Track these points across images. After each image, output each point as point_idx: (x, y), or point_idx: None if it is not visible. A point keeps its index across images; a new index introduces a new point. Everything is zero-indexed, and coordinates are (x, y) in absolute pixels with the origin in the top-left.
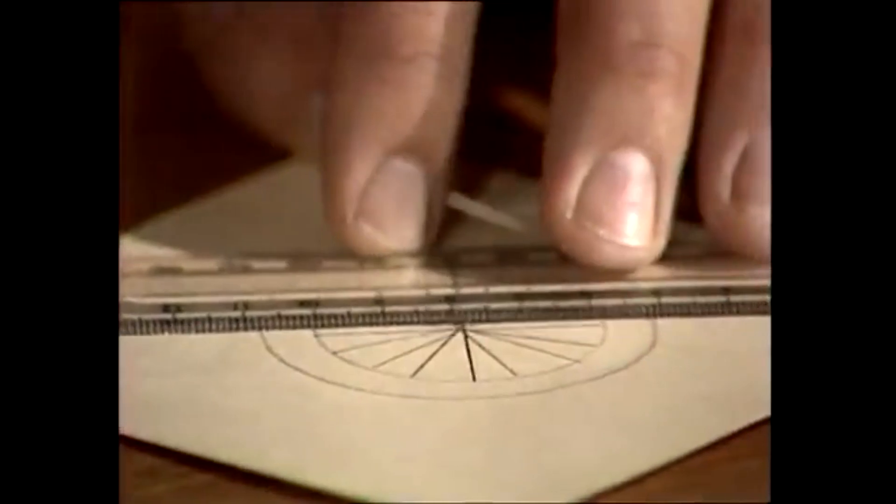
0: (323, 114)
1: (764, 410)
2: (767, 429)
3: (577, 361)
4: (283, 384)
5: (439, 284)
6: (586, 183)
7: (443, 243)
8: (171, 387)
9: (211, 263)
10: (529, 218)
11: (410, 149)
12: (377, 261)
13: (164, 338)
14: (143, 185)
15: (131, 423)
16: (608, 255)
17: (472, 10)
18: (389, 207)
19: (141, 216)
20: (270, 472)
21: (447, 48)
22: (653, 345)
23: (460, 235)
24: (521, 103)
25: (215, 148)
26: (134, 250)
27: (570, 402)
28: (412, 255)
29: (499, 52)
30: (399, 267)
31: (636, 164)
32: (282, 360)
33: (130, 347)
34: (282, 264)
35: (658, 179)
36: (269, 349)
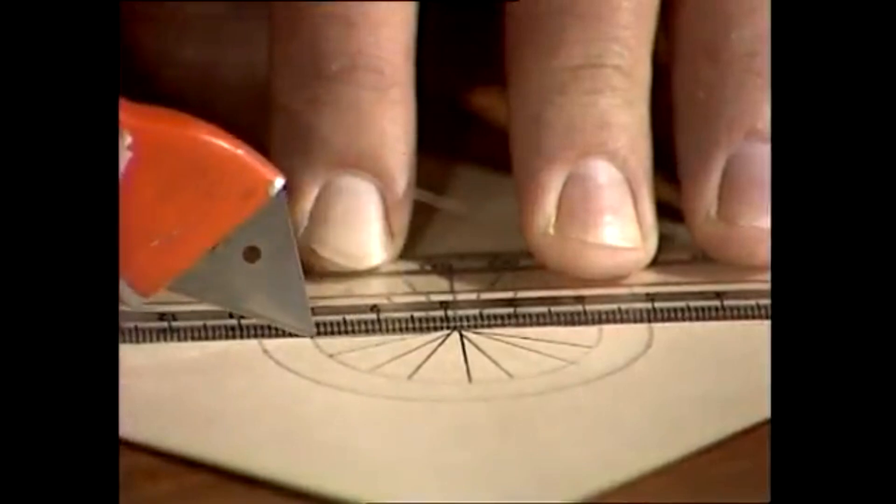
0: (268, 135)
1: (759, 413)
2: (766, 429)
3: (573, 363)
4: (279, 386)
5: (434, 291)
6: (562, 197)
7: (435, 250)
8: (168, 388)
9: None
10: (501, 214)
11: (356, 164)
12: (374, 268)
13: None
14: None
15: (129, 424)
16: (599, 260)
17: (402, 11)
18: (338, 227)
19: None
20: (266, 474)
21: (378, 58)
22: (648, 346)
23: (452, 242)
24: (490, 100)
25: None
26: None
27: (565, 405)
28: (405, 262)
29: (468, 48)
30: (393, 274)
31: (604, 171)
32: (278, 363)
33: (129, 348)
34: None
35: (630, 183)
36: (265, 352)
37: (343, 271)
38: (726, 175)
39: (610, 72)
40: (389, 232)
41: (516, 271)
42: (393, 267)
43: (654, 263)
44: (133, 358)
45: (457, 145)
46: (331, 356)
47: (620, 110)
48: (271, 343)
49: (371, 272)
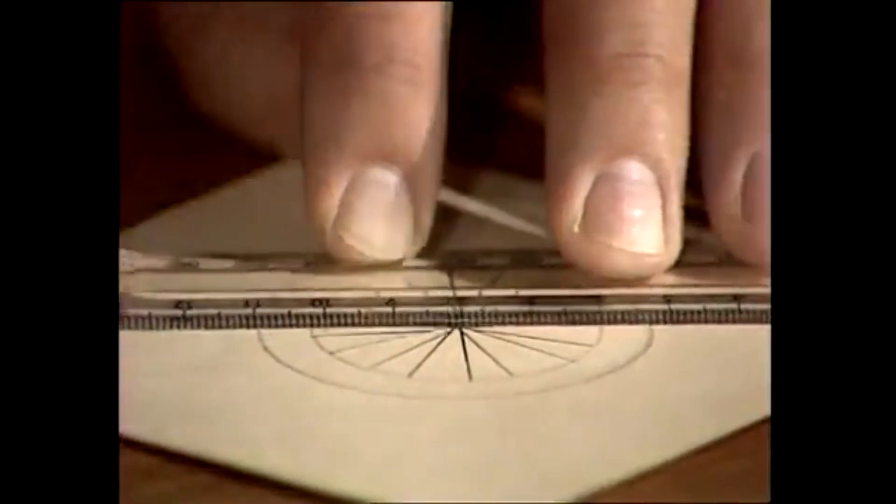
0: (300, 123)
1: (759, 412)
2: (766, 429)
3: (573, 361)
4: (279, 385)
5: (452, 286)
6: (590, 196)
7: (459, 245)
8: (168, 387)
9: (228, 260)
10: (528, 217)
11: (387, 157)
12: (394, 262)
13: (163, 337)
14: (146, 184)
15: (129, 423)
16: (621, 264)
17: (440, 10)
18: (367, 217)
19: (142, 216)
20: (267, 472)
21: (413, 52)
22: (648, 345)
23: (475, 238)
24: (515, 102)
25: (216, 146)
26: (150, 245)
27: (565, 403)
28: (429, 257)
29: (493, 49)
30: (416, 269)
31: (637, 173)
32: (279, 361)
33: (128, 347)
34: (298, 263)
35: (661, 185)
36: (266, 350)
37: (366, 263)
38: (749, 175)
39: (652, 61)
40: (415, 225)
41: (539, 269)
42: (416, 262)
43: (678, 265)
44: (133, 356)
45: (479, 147)
46: (331, 353)
47: (661, 106)
48: (272, 340)
49: (392, 266)
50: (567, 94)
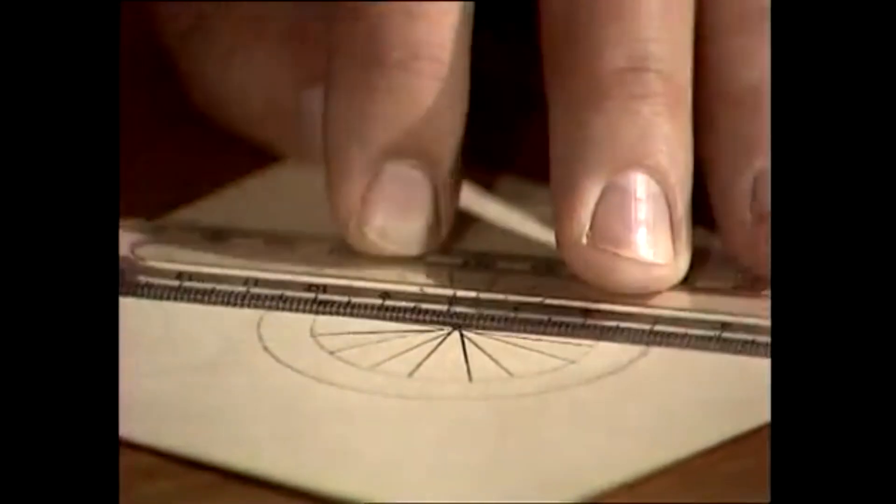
0: (323, 117)
1: (759, 416)
2: (766, 430)
3: (573, 363)
4: (279, 384)
5: (452, 286)
6: (598, 207)
7: (482, 247)
8: (167, 387)
9: (254, 239)
10: (548, 222)
11: (411, 153)
12: (414, 257)
13: (162, 336)
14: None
15: (128, 424)
16: (631, 274)
17: (463, 10)
18: (389, 212)
19: (143, 215)
20: (266, 473)
21: (439, 50)
22: (647, 348)
23: (497, 241)
24: (537, 104)
25: (217, 145)
26: (186, 217)
27: (565, 404)
28: (450, 255)
29: (508, 54)
30: (430, 265)
31: (642, 185)
32: (279, 361)
33: (129, 347)
34: (323, 247)
35: (667, 197)
36: (266, 350)
37: (391, 257)
38: (759, 183)
39: (653, 76)
40: (437, 221)
41: (556, 277)
42: (435, 258)
43: (690, 289)
44: (133, 356)
45: (500, 149)
46: (331, 353)
47: (664, 120)
48: (271, 340)
49: (391, 260)
50: (569, 110)
